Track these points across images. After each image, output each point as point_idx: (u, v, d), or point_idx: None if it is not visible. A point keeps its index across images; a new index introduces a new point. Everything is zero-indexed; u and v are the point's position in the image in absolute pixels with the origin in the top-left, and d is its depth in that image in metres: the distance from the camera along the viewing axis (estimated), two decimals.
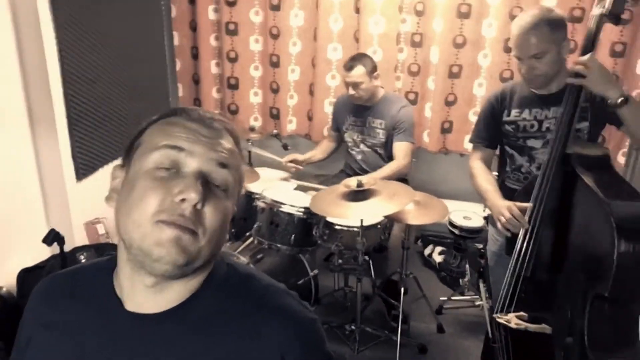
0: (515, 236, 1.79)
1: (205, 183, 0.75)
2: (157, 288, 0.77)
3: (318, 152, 3.37)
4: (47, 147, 2.55)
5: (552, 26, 1.81)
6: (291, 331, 0.79)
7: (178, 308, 0.79)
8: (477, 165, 2.15)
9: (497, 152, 2.21)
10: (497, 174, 2.24)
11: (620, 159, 3.24)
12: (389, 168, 2.98)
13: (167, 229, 0.71)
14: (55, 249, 2.28)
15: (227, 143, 0.80)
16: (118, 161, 0.85)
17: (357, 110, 3.13)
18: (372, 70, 2.97)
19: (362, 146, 3.18)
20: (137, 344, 0.78)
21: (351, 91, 3.00)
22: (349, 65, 2.95)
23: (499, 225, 1.85)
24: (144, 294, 0.78)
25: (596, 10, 1.69)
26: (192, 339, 0.78)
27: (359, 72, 2.92)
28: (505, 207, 1.82)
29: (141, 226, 0.72)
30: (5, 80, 2.37)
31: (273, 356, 0.77)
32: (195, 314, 0.79)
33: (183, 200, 0.72)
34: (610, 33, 2.99)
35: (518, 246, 1.76)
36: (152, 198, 0.72)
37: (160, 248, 0.71)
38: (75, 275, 0.90)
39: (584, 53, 1.73)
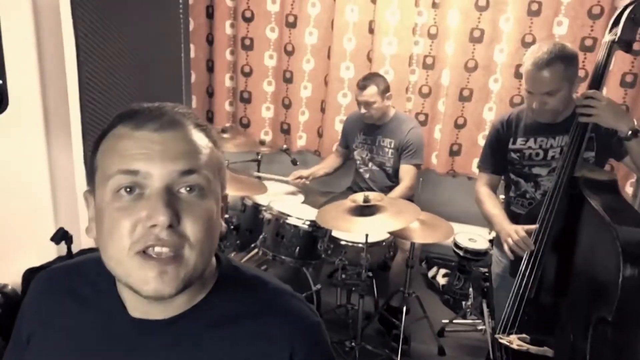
0: (520, 258, 1.79)
1: (174, 197, 0.70)
2: (160, 300, 0.73)
3: (323, 167, 3.40)
4: (60, 150, 2.59)
5: (566, 63, 1.82)
6: (298, 333, 0.79)
7: (186, 314, 0.77)
8: (483, 190, 2.16)
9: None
10: (503, 196, 2.25)
11: (629, 189, 3.24)
12: (395, 192, 3.00)
13: (148, 266, 0.68)
14: (62, 250, 2.30)
15: (187, 139, 0.73)
16: None
17: (368, 128, 3.16)
18: (385, 90, 3.00)
19: (370, 164, 3.20)
20: (143, 351, 0.77)
21: (363, 110, 3.03)
22: (361, 85, 2.98)
23: (505, 247, 1.85)
24: (148, 305, 0.76)
25: (608, 37, 1.72)
26: (201, 345, 0.77)
27: (371, 91, 2.95)
28: (512, 230, 1.82)
29: (120, 262, 0.69)
30: (24, 84, 2.42)
31: (281, 357, 0.78)
32: (203, 320, 0.78)
33: (154, 225, 0.67)
34: (621, 63, 3.02)
35: (522, 268, 1.76)
36: (122, 230, 0.68)
37: (147, 286, 0.69)
38: (75, 271, 0.87)
39: (594, 80, 1.75)
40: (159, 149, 0.70)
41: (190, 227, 0.70)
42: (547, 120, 1.96)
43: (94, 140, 0.77)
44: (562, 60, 1.81)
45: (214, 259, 0.83)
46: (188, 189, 0.71)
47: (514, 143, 2.06)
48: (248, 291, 0.82)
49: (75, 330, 0.80)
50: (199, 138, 0.74)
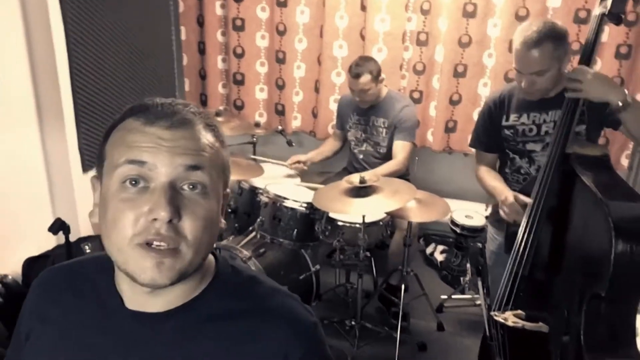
0: (514, 234, 1.80)
1: (177, 193, 0.72)
2: (157, 291, 0.76)
3: (322, 151, 3.39)
4: (54, 138, 2.58)
5: (555, 43, 1.79)
6: (294, 334, 0.79)
7: (181, 308, 0.78)
8: (482, 169, 2.17)
9: None
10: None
11: (624, 161, 3.25)
12: (387, 166, 3.00)
13: (147, 256, 0.70)
14: (60, 238, 2.31)
15: (195, 138, 0.74)
16: None
17: (361, 109, 3.15)
18: (378, 74, 2.97)
19: (364, 145, 3.20)
20: (138, 343, 0.78)
21: (357, 98, 3.01)
22: (354, 73, 2.92)
23: (501, 212, 1.85)
24: (144, 297, 0.77)
25: (597, 10, 1.70)
26: (195, 339, 0.78)
27: (366, 79, 2.91)
28: (511, 194, 1.83)
29: (121, 250, 0.71)
30: (15, 72, 2.40)
31: (275, 358, 0.78)
32: (198, 315, 0.79)
33: (155, 219, 0.69)
34: (616, 35, 2.99)
35: (517, 245, 1.77)
36: (125, 221, 0.70)
37: (144, 275, 0.70)
38: (76, 269, 0.89)
39: (584, 54, 1.73)
40: (168, 145, 0.72)
41: (189, 225, 0.72)
42: (536, 99, 1.95)
43: (105, 130, 0.78)
44: (552, 39, 1.79)
45: (212, 257, 0.85)
46: (191, 186, 0.73)
47: (507, 120, 2.05)
48: (243, 290, 0.83)
49: (73, 324, 0.82)
50: (208, 137, 0.76)
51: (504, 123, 2.06)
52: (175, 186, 0.72)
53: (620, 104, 1.64)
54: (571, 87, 1.69)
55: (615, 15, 1.66)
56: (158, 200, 0.69)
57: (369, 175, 2.43)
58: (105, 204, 0.73)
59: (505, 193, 1.89)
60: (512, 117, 2.03)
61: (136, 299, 0.78)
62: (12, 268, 2.41)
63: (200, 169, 0.73)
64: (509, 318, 1.70)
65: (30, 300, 0.88)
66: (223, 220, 0.81)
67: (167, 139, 0.72)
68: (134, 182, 0.71)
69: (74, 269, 0.90)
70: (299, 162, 3.23)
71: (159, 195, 0.70)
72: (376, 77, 2.96)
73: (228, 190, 0.83)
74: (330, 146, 3.43)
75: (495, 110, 2.08)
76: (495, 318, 1.73)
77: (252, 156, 3.38)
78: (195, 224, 0.72)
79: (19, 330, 0.88)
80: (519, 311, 1.72)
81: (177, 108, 0.76)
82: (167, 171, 0.71)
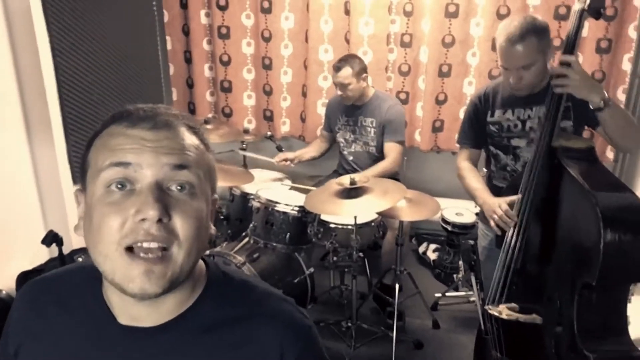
0: (505, 230, 1.83)
1: (164, 193, 0.70)
2: (148, 303, 0.73)
3: (309, 151, 3.42)
4: (43, 151, 2.57)
5: (539, 36, 1.83)
6: (289, 337, 0.79)
7: (174, 321, 0.77)
8: (464, 165, 2.20)
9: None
10: (485, 170, 2.29)
11: (609, 154, 3.30)
12: (379, 167, 3.03)
13: (135, 264, 0.67)
14: (53, 252, 2.30)
15: (179, 138, 0.73)
16: None
17: (349, 110, 3.17)
18: (360, 71, 3.00)
19: (354, 146, 3.22)
20: (132, 359, 0.76)
21: (339, 92, 3.05)
22: (336, 67, 3.00)
23: (491, 223, 1.88)
24: (136, 309, 0.75)
25: (577, 6, 1.72)
26: (191, 350, 0.76)
27: (346, 73, 2.96)
28: (496, 206, 1.85)
29: (108, 257, 0.68)
30: (1, 85, 2.39)
31: None
32: (193, 327, 0.77)
33: (144, 219, 0.67)
34: (596, 29, 3.04)
35: (508, 239, 1.80)
36: (112, 224, 0.68)
37: (133, 284, 0.68)
38: (61, 280, 0.86)
39: (566, 49, 1.76)
40: (152, 145, 0.70)
41: (179, 224, 0.70)
42: (525, 94, 1.98)
43: (88, 139, 0.77)
44: (534, 33, 1.82)
45: (203, 265, 0.83)
46: (179, 187, 0.71)
47: (492, 116, 2.08)
48: (237, 296, 0.82)
49: (64, 341, 0.80)
50: (192, 139, 0.75)
51: (489, 119, 2.09)
52: (162, 186, 0.70)
53: (602, 104, 1.66)
54: (558, 83, 1.71)
55: (594, 10, 1.69)
56: (145, 199, 0.67)
57: (359, 177, 2.46)
58: (90, 212, 0.71)
59: (489, 202, 1.92)
60: (497, 113, 2.06)
61: (127, 312, 0.76)
62: (5, 283, 2.40)
63: (186, 167, 0.72)
64: (503, 311, 1.72)
65: (16, 314, 0.86)
66: (213, 227, 0.80)
67: (150, 139, 0.71)
68: (119, 186, 0.69)
69: (58, 280, 0.87)
70: (286, 159, 3.25)
71: (145, 195, 0.68)
72: (358, 73, 2.99)
73: (216, 195, 0.81)
74: (316, 147, 3.45)
75: (480, 106, 2.11)
76: (490, 312, 1.76)
77: (242, 152, 3.38)
78: (185, 223, 0.70)
79: (6, 346, 0.85)
80: (513, 304, 1.74)
81: (159, 111, 0.75)
82: (152, 171, 0.69)
